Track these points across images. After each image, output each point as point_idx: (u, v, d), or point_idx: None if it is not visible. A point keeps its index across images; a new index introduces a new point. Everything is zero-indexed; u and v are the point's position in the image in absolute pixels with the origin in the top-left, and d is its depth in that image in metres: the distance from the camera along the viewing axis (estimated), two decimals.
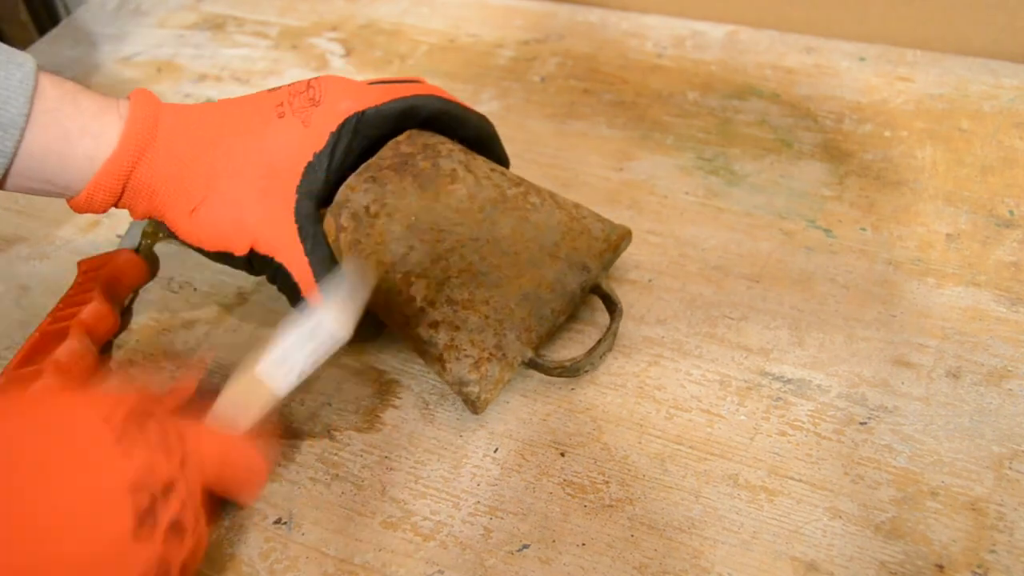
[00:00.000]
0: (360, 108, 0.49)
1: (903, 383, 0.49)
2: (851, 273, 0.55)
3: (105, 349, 0.55)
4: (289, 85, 0.50)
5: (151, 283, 0.60)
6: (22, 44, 0.88)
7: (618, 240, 0.52)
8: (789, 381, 0.50)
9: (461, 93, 0.72)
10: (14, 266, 0.62)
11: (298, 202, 0.47)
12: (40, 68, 0.45)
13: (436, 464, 0.48)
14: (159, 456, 0.34)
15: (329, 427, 0.50)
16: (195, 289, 0.59)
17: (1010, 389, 0.49)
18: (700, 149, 0.65)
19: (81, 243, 0.63)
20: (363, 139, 0.49)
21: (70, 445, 0.32)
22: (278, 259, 0.47)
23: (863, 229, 0.58)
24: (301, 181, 0.47)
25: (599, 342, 0.49)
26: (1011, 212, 0.58)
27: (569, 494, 0.46)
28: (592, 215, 0.52)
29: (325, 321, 0.44)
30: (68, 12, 0.94)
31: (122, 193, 0.47)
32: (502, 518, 0.45)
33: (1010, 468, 0.45)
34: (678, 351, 0.52)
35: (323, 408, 0.51)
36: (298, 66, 0.77)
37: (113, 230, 0.63)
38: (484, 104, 0.70)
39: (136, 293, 0.59)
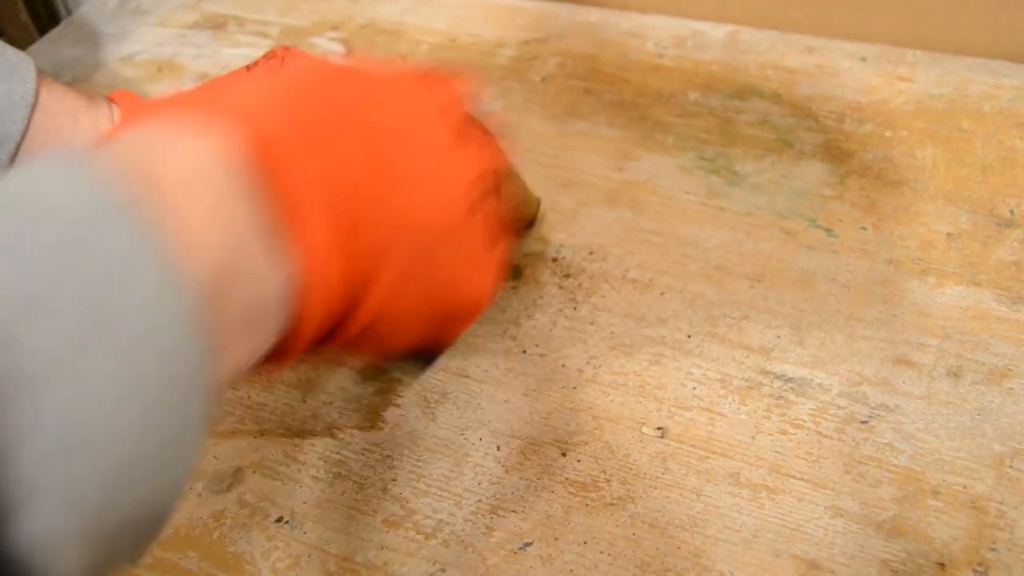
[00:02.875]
0: None
1: (904, 382, 0.49)
2: (852, 272, 0.55)
3: None
4: (265, 59, 0.51)
5: None
6: (22, 44, 0.88)
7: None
8: (790, 380, 0.50)
9: None
10: None
11: None
12: (41, 78, 0.46)
13: (438, 462, 0.48)
14: (489, 153, 0.36)
15: (331, 426, 0.50)
16: None
17: (1011, 388, 0.49)
18: (701, 149, 0.65)
19: None
20: None
21: (418, 129, 0.34)
22: None
23: (864, 229, 0.58)
24: None
25: None
26: (1012, 212, 0.58)
27: (571, 493, 0.46)
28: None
29: None
30: (68, 12, 0.94)
31: None
32: (504, 516, 0.45)
33: (1011, 467, 0.45)
34: (679, 350, 0.52)
35: (324, 407, 0.51)
36: None
37: None
38: (484, 104, 0.70)
39: None
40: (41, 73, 0.47)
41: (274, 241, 0.27)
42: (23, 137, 0.45)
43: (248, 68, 0.52)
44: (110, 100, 0.49)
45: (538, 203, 0.60)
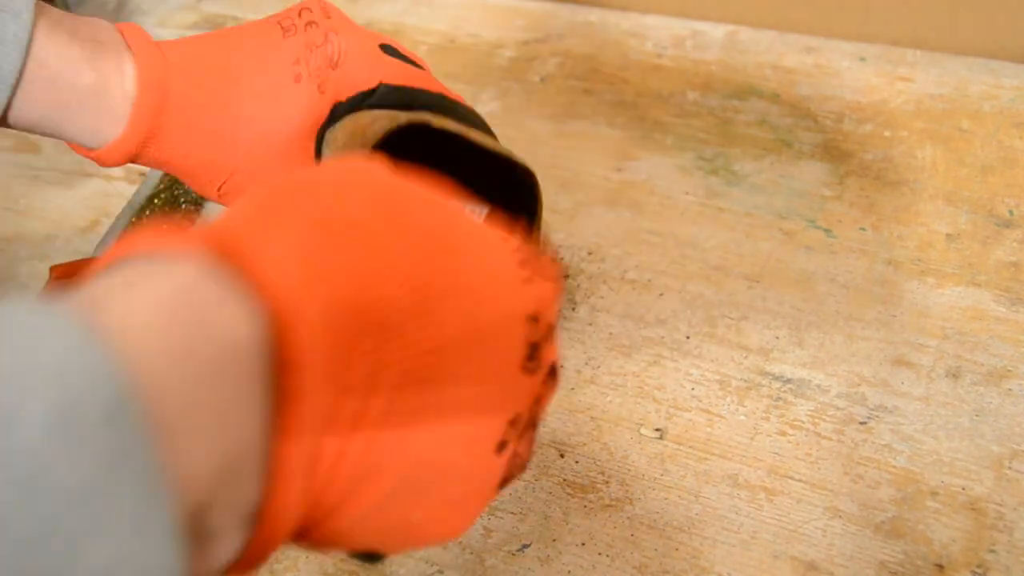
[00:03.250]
0: (372, 85, 0.46)
1: (903, 383, 0.49)
2: (851, 273, 0.55)
3: None
4: (305, 30, 0.46)
5: None
6: None
7: None
8: (789, 381, 0.50)
9: (461, 93, 0.71)
10: (14, 266, 0.62)
11: (317, 159, 0.46)
12: (43, 17, 0.41)
13: None
14: (552, 291, 0.31)
15: None
16: None
17: (1010, 389, 0.49)
18: (700, 149, 0.65)
19: (81, 243, 0.63)
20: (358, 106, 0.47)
21: (482, 240, 0.29)
22: None
23: (863, 229, 0.58)
24: (316, 141, 0.46)
25: None
26: (1011, 212, 0.58)
27: (569, 494, 0.46)
28: None
29: None
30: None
31: (136, 158, 0.44)
32: (502, 518, 0.45)
33: (1009, 468, 0.45)
34: (678, 351, 0.52)
35: None
36: None
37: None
38: (484, 104, 0.70)
39: None
40: (44, 10, 0.41)
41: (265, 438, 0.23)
42: (18, 81, 0.40)
43: (284, 31, 0.46)
44: (120, 34, 0.44)
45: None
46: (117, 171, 0.68)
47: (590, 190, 0.62)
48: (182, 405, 0.21)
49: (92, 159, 0.45)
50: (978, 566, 0.42)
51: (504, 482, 0.31)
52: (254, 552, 0.25)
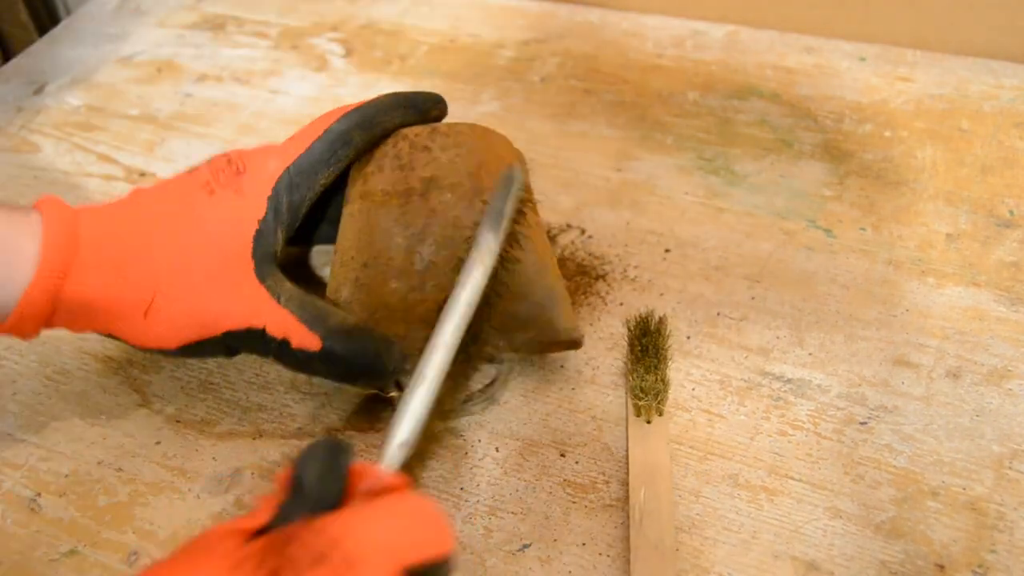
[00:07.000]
0: (287, 163, 0.46)
1: (903, 383, 0.49)
2: (851, 273, 0.55)
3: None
4: (208, 163, 0.47)
5: None
6: (22, 44, 0.88)
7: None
8: (789, 381, 0.50)
9: (461, 93, 0.72)
10: None
11: (257, 268, 0.45)
12: None
13: (436, 464, 0.48)
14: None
15: (329, 427, 0.50)
16: None
17: (1010, 389, 0.49)
18: (700, 149, 0.65)
19: None
20: (306, 188, 0.47)
21: None
22: (256, 325, 0.44)
23: (863, 229, 0.58)
24: (254, 249, 0.45)
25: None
26: (1011, 212, 0.58)
27: (569, 494, 0.46)
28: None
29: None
30: (68, 12, 0.94)
31: (52, 315, 0.44)
32: (502, 518, 0.45)
33: (1010, 468, 0.45)
34: (678, 351, 0.52)
35: (323, 408, 0.51)
36: (298, 66, 0.76)
37: None
38: (484, 104, 0.70)
39: None
40: None
41: None
42: None
43: (210, 190, 0.46)
44: (39, 210, 0.44)
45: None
46: (117, 171, 0.68)
47: (590, 190, 0.62)
48: None
49: (11, 326, 0.43)
50: (979, 566, 0.42)
51: None
52: None
